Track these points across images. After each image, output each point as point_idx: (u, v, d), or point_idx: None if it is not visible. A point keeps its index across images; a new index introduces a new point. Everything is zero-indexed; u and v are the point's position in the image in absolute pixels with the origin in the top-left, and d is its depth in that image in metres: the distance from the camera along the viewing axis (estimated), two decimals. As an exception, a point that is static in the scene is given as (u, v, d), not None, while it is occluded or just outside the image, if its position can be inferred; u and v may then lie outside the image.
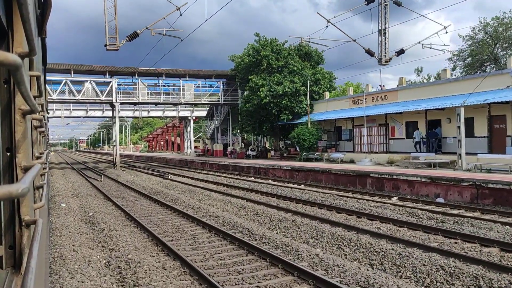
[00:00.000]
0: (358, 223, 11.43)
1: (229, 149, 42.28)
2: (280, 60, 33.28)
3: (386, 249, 8.32)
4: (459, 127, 17.87)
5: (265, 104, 32.79)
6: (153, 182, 25.65)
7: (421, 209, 12.93)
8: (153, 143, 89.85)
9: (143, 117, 51.96)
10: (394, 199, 15.84)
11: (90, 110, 49.62)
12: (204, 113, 55.68)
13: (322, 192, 17.94)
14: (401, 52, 21.72)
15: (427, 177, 16.17)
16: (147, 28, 22.31)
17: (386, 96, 26.11)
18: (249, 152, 38.84)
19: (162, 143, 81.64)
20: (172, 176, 28.90)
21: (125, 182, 25.42)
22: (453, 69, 45.61)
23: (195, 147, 56.23)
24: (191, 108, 54.26)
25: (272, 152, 35.88)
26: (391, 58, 20.79)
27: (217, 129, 46.76)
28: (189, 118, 54.34)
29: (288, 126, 36.91)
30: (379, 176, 18.53)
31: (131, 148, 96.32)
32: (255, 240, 9.67)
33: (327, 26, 19.65)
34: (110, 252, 8.41)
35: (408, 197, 16.24)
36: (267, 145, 44.99)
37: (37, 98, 2.22)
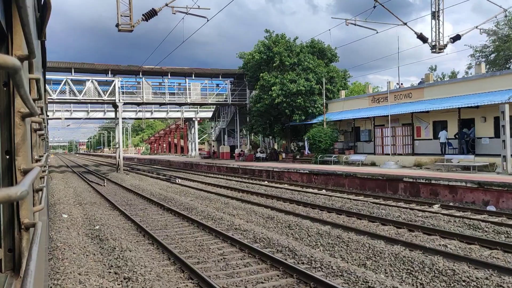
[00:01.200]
0: (415, 238, 9.65)
1: (237, 151, 40.51)
2: (293, 57, 31.54)
3: (476, 278, 6.54)
4: (503, 126, 16.10)
5: (277, 103, 31.03)
6: (160, 186, 23.88)
7: (480, 220, 11.14)
8: (155, 145, 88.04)
9: (146, 118, 50.16)
10: (436, 207, 14.07)
11: (91, 111, 47.86)
12: (208, 114, 53.92)
13: (353, 199, 16.12)
14: (456, 38, 19.60)
15: (474, 182, 14.39)
16: (167, 5, 19.86)
17: (410, 94, 24.34)
18: (259, 155, 37.06)
19: (164, 145, 79.81)
20: (179, 180, 27.13)
21: (130, 187, 23.66)
22: (469, 67, 43.89)
23: (199, 149, 54.46)
24: (196, 109, 52.51)
25: (284, 155, 34.10)
26: (446, 44, 18.89)
27: (223, 131, 44.99)
28: (193, 119, 52.58)
29: (299, 127, 35.16)
30: (414, 180, 16.74)
31: (133, 151, 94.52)
32: (302, 263, 7.90)
33: (374, 7, 17.87)
34: (126, 282, 6.63)
35: (451, 204, 14.46)
36: (275, 147, 43.23)
37: (36, 101, 2.11)
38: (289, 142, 35.19)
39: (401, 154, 23.83)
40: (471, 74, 43.01)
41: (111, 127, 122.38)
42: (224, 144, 44.68)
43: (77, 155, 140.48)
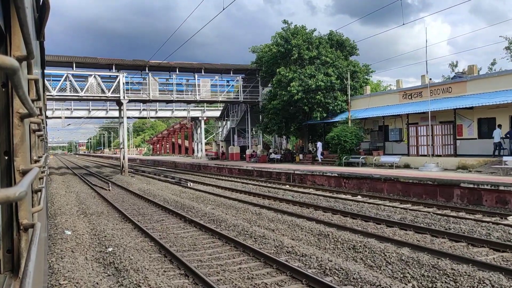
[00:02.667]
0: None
1: (249, 152, 38.08)
2: (312, 50, 29.14)
3: None
4: None
5: (296, 100, 28.63)
6: (172, 191, 21.48)
7: None
8: (157, 146, 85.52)
9: (151, 117, 47.68)
10: (512, 219, 11.69)
11: (92, 109, 45.39)
12: (215, 113, 51.48)
13: (409, 209, 13.68)
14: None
15: (560, 189, 11.99)
16: None
17: (450, 88, 21.94)
18: (273, 156, 34.65)
19: (167, 146, 77.29)
20: (191, 183, 24.71)
21: (139, 191, 21.27)
22: (493, 63, 41.56)
23: (205, 150, 52.03)
24: (202, 108, 50.08)
25: (300, 156, 31.69)
26: None
27: (232, 130, 42.55)
28: (200, 118, 50.12)
29: (318, 126, 32.80)
30: (474, 186, 14.33)
31: (134, 151, 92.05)
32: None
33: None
34: None
35: (530, 215, 12.06)
36: (289, 148, 40.83)
37: (35, 102, 2.14)
38: (306, 142, 32.76)
39: (440, 155, 21.43)
40: (494, 70, 40.65)
41: (111, 127, 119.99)
42: (233, 145, 42.25)
43: (76, 156, 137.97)
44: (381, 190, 18.36)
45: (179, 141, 71.12)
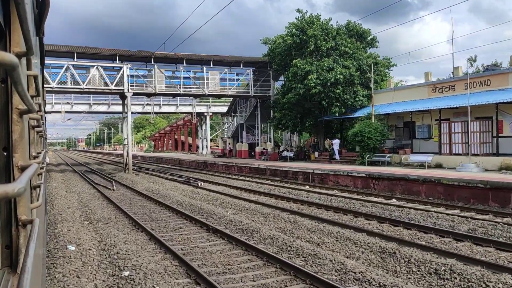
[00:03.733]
0: None
1: (258, 149, 36.16)
2: (329, 41, 27.17)
3: None
4: None
5: (313, 95, 26.69)
6: (182, 192, 19.60)
7: None
8: (159, 142, 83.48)
9: (155, 113, 45.61)
10: None
11: (94, 104, 43.36)
12: (221, 109, 49.52)
13: (461, 216, 11.77)
14: None
15: None
16: None
17: (488, 80, 20.02)
18: (285, 153, 32.72)
19: (170, 142, 75.24)
20: (201, 183, 22.80)
21: (146, 192, 19.39)
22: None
23: (210, 147, 50.11)
24: (208, 103, 48.09)
25: (316, 154, 29.77)
26: None
27: (240, 126, 40.58)
28: (205, 114, 48.14)
29: (333, 122, 30.91)
30: (539, 190, 12.45)
31: (135, 148, 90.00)
32: None
33: None
34: None
35: None
36: (301, 145, 38.91)
37: (34, 98, 2.19)
38: (321, 139, 30.84)
39: (477, 155, 19.53)
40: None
41: (112, 123, 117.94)
42: (241, 142, 40.30)
43: (76, 152, 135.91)
44: (417, 192, 16.48)
45: (182, 138, 69.09)
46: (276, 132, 44.82)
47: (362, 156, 23.99)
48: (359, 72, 26.34)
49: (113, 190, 21.17)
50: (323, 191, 19.28)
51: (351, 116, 27.05)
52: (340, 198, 16.35)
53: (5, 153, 1.36)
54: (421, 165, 20.55)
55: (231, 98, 43.66)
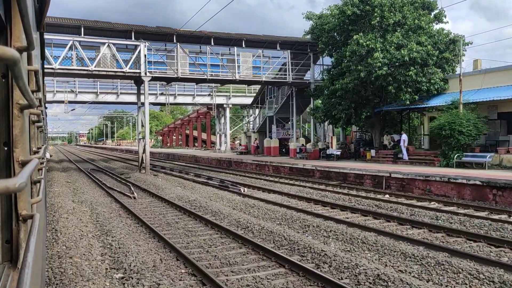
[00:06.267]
0: None
1: (294, 145, 31.05)
2: (396, 14, 22.00)
3: None
4: None
5: (376, 78, 21.55)
6: (229, 202, 14.63)
7: None
8: (167, 137, 78.30)
9: (171, 104, 40.45)
10: None
11: (101, 93, 38.19)
12: (241, 100, 44.35)
13: None
14: None
15: None
16: None
17: None
18: (330, 151, 27.64)
19: (180, 137, 69.99)
20: (244, 189, 17.76)
21: (180, 202, 14.49)
22: None
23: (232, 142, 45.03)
24: (228, 93, 42.94)
25: (372, 152, 24.66)
26: None
27: (269, 119, 35.43)
28: (224, 106, 43.00)
29: (392, 113, 25.80)
30: None
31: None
32: None
33: None
34: None
35: None
36: (334, 141, 33.77)
37: (35, 93, 2.15)
38: (377, 134, 25.68)
39: None
40: None
41: (115, 116, 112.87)
42: (270, 137, 35.18)
43: (77, 147, 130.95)
44: None
45: (194, 133, 63.88)
46: (304, 126, 39.74)
47: (447, 155, 18.88)
48: (437, 51, 21.19)
49: (134, 198, 16.13)
50: (418, 203, 14.26)
51: (422, 105, 21.93)
52: (458, 217, 11.34)
53: (5, 148, 1.35)
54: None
55: (257, 88, 38.55)
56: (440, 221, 11.11)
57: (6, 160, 1.36)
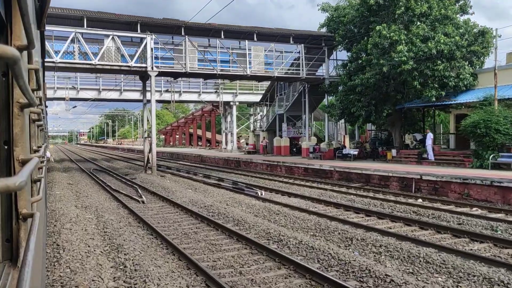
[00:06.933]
0: None
1: (306, 145, 29.59)
2: (422, 4, 20.51)
3: None
4: None
5: (400, 73, 20.08)
6: (249, 208, 13.21)
7: None
8: (170, 136, 76.79)
9: (177, 101, 38.96)
10: None
11: (103, 90, 36.70)
12: (248, 97, 42.88)
13: None
14: None
15: None
16: None
17: None
18: (346, 151, 26.20)
19: (183, 136, 68.49)
20: (262, 192, 16.33)
21: (195, 207, 13.11)
22: None
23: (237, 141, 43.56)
24: (234, 90, 41.47)
25: (393, 152, 23.18)
26: None
27: (280, 118, 33.96)
28: (231, 103, 41.53)
29: (413, 110, 24.33)
30: None
31: (141, 142, 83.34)
32: None
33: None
34: None
35: None
36: (347, 140, 32.34)
37: (35, 92, 2.14)
38: (397, 132, 24.20)
39: None
40: None
41: (116, 115, 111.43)
42: (280, 136, 33.71)
43: (78, 146, 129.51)
44: None
45: (198, 131, 62.39)
46: (313, 125, 38.26)
47: (480, 155, 17.41)
48: (467, 42, 19.72)
49: (143, 202, 14.68)
50: (457, 209, 12.87)
51: (450, 102, 20.46)
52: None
53: (6, 147, 1.35)
54: None
55: (265, 85, 37.08)
56: (499, 232, 9.66)
57: (6, 158, 1.35)
